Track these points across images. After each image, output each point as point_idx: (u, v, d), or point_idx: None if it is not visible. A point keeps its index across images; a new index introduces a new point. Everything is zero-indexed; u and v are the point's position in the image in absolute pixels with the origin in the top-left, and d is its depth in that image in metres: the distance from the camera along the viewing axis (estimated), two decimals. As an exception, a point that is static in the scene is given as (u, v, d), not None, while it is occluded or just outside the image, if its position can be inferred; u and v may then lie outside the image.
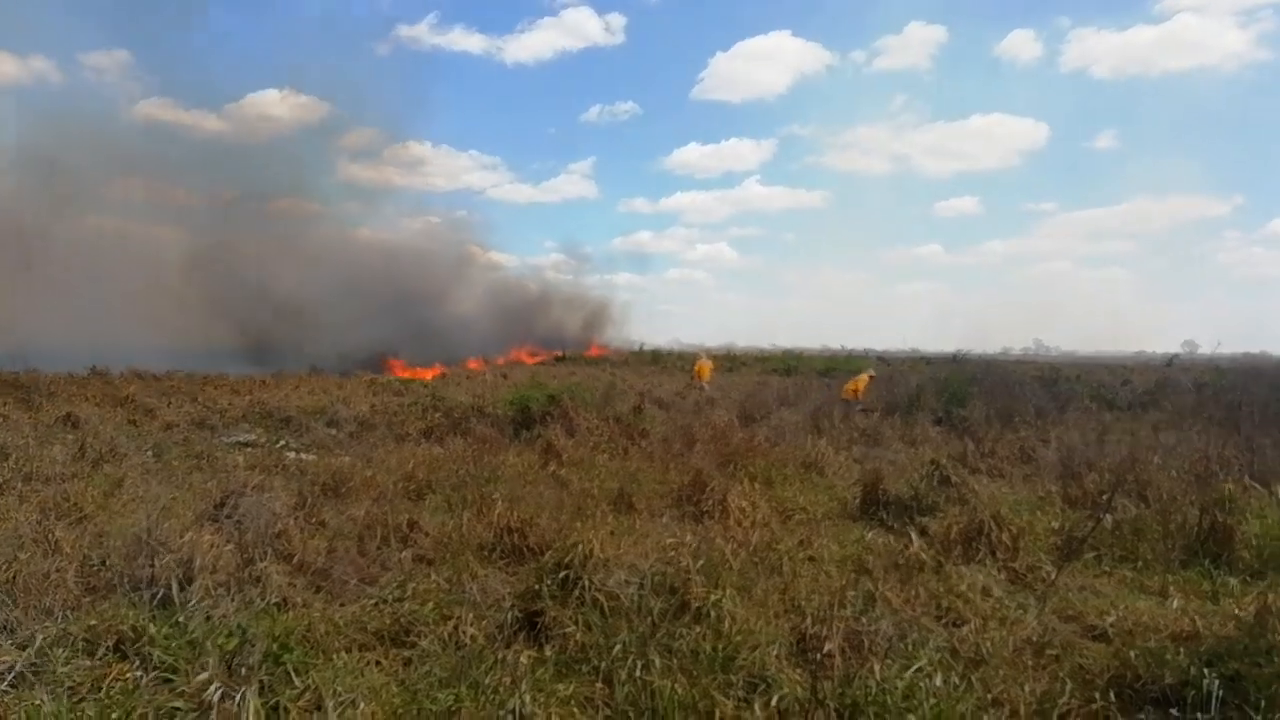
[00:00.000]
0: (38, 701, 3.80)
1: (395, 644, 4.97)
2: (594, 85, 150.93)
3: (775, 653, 4.69)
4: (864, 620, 5.05)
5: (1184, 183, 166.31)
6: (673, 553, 5.99)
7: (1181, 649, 4.63)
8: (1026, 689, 4.33)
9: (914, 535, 7.18)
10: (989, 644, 4.91)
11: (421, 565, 6.49)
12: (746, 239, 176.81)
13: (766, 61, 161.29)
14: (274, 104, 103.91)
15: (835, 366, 43.14)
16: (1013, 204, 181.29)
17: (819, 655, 4.68)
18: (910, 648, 4.75)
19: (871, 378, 20.64)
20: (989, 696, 4.26)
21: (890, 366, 43.35)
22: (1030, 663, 4.75)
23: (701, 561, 5.68)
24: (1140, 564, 7.07)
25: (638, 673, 4.36)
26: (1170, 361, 45.95)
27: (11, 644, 4.38)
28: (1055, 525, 7.85)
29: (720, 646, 4.72)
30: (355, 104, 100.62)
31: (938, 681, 4.20)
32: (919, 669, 4.33)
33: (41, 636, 4.45)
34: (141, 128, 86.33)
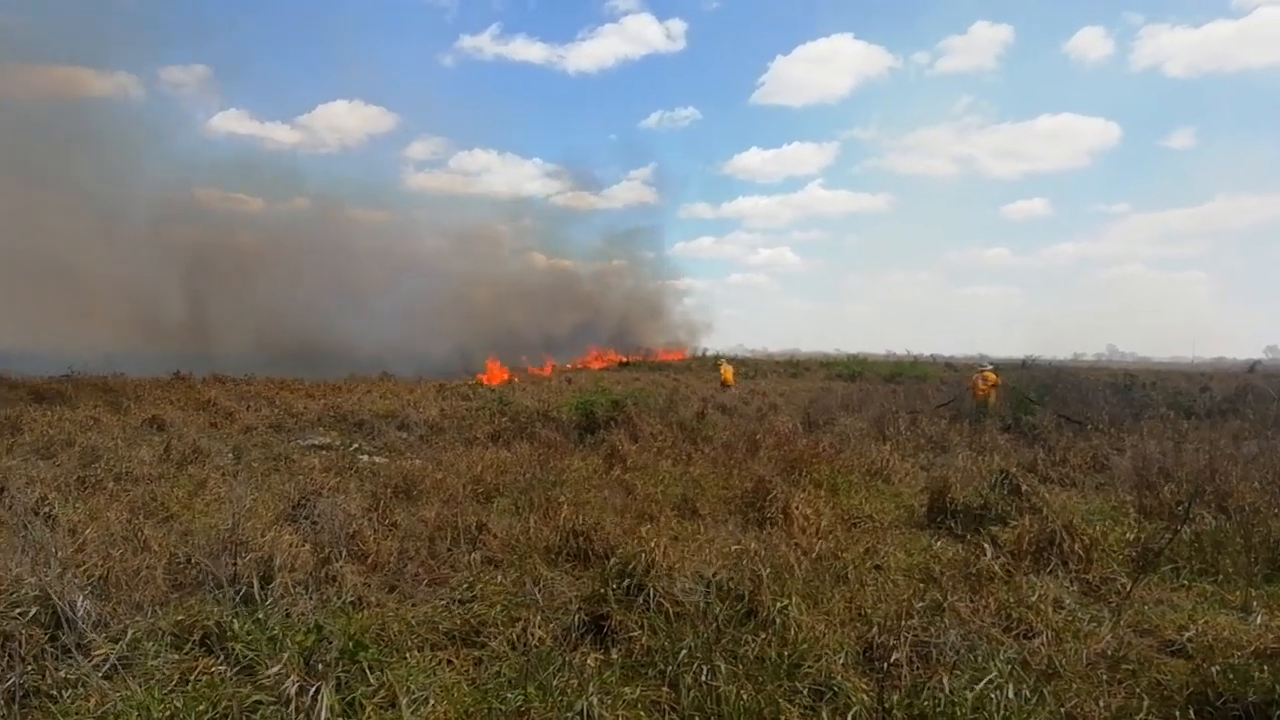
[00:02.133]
0: (131, 692, 3.98)
1: (465, 644, 5.08)
2: (655, 91, 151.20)
3: (841, 661, 4.68)
4: (932, 630, 4.99)
5: (1264, 182, 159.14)
6: (737, 559, 6.01)
7: (1266, 666, 4.48)
8: (1102, 704, 4.25)
9: (984, 545, 7.07)
10: (1062, 657, 4.81)
11: (490, 567, 6.61)
12: (809, 243, 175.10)
13: (828, 65, 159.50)
14: (343, 115, 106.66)
15: (900, 372, 42.53)
16: (1083, 205, 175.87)
17: (886, 665, 4.66)
18: (980, 659, 4.68)
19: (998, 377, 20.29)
20: (1062, 711, 4.19)
21: (958, 372, 42.55)
22: (1105, 677, 4.65)
23: (766, 569, 5.68)
24: (1220, 578, 6.84)
25: (703, 678, 4.39)
26: (1252, 367, 44.28)
27: (105, 637, 4.59)
28: (1130, 536, 7.63)
29: (785, 654, 4.73)
30: (420, 114, 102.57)
31: (1009, 694, 4.15)
32: (989, 681, 4.27)
33: (133, 630, 4.67)
34: (219, 140, 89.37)
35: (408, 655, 4.77)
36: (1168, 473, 10.35)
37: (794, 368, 51.62)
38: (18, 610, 4.47)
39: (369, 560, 6.52)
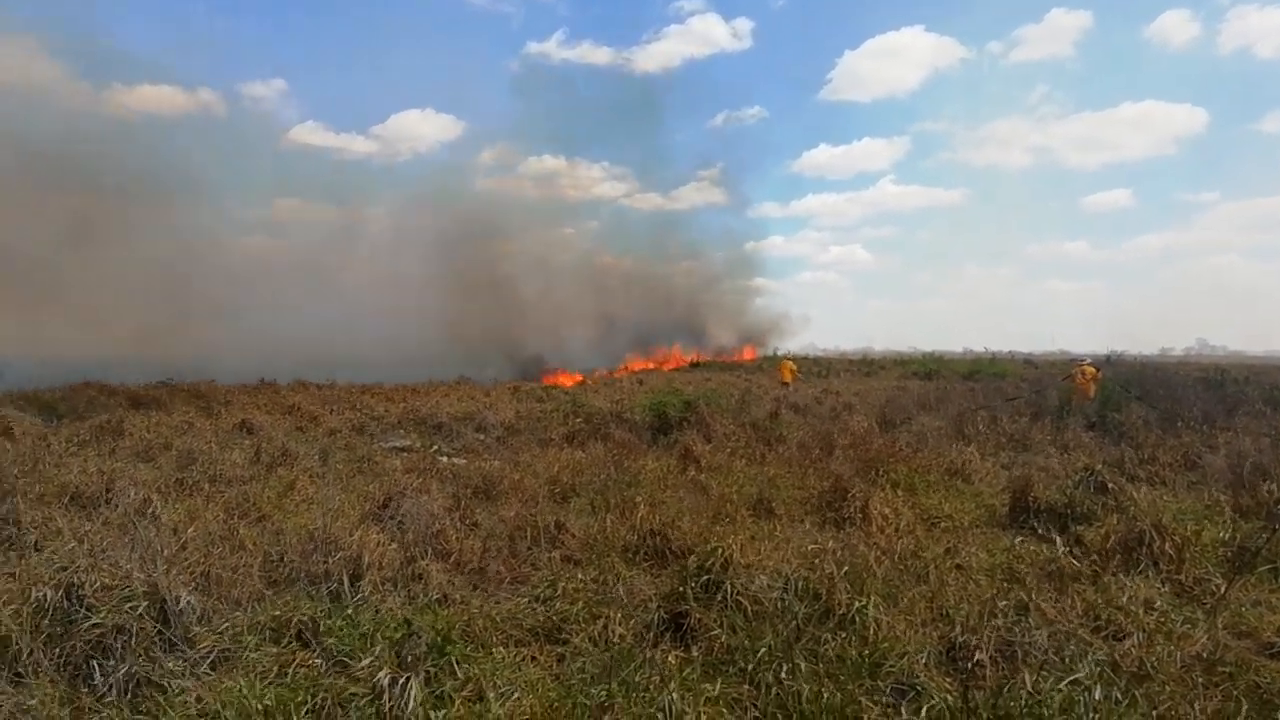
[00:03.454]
0: (234, 683, 4.17)
1: (549, 640, 5.19)
2: (721, 91, 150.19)
3: (923, 660, 4.65)
4: (1017, 630, 4.92)
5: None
6: (815, 558, 6.00)
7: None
8: (1197, 707, 4.13)
9: (1067, 544, 6.92)
10: (1154, 659, 4.68)
11: (569, 565, 6.72)
12: (881, 240, 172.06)
13: (897, 58, 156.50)
14: (415, 123, 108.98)
15: (978, 369, 41.59)
16: (1169, 195, 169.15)
17: (969, 664, 4.61)
18: (1067, 660, 4.60)
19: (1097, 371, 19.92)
20: (1155, 714, 4.09)
21: (1038, 369, 41.44)
22: (1200, 680, 4.51)
23: (845, 568, 5.67)
24: (1324, 579, 6.57)
25: (783, 676, 4.41)
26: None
27: (209, 631, 4.83)
28: (1224, 536, 7.36)
29: (866, 653, 4.72)
30: (489, 121, 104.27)
31: (1098, 695, 4.07)
32: (1077, 682, 4.20)
33: (234, 625, 4.90)
34: (297, 151, 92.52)
35: (493, 651, 4.90)
36: (1264, 470, 9.95)
37: (868, 366, 50.95)
38: (129, 605, 4.73)
39: (452, 559, 6.69)
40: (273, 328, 52.77)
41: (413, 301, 60.96)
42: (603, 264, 78.66)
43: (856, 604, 5.22)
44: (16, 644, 4.43)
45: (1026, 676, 4.23)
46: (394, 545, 6.51)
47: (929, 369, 43.67)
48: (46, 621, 4.61)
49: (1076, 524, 7.85)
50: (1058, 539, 7.09)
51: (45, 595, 4.72)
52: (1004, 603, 5.44)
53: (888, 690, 4.39)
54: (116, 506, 7.77)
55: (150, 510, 7.60)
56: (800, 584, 5.51)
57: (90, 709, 4.00)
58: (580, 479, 10.12)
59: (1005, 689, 4.17)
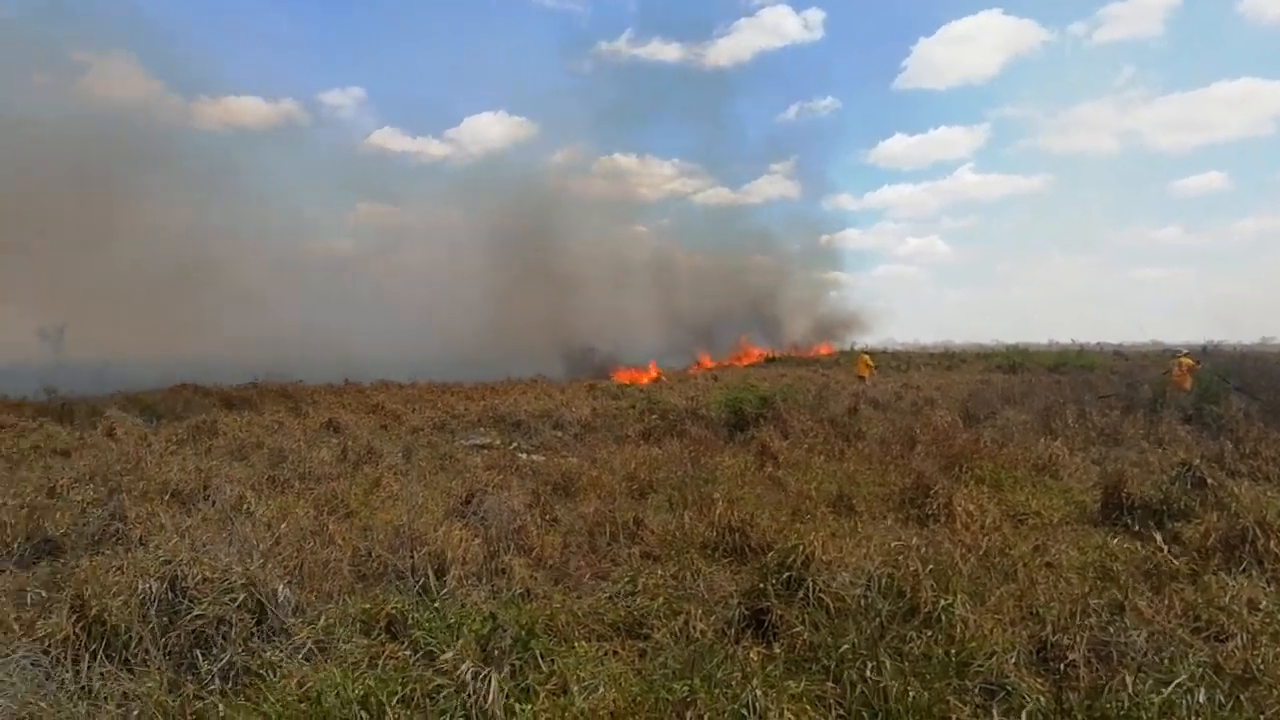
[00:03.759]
0: (328, 673, 4.31)
1: (630, 635, 5.22)
2: (793, 83, 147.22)
3: (1013, 660, 4.54)
4: (1111, 630, 4.77)
5: None
6: (898, 555, 5.91)
7: None
8: (1306, 712, 3.94)
9: (1166, 542, 6.66)
10: (1260, 661, 4.48)
11: (648, 561, 6.75)
12: (960, 231, 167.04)
13: (975, 44, 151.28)
14: (488, 126, 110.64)
15: (1065, 361, 40.28)
16: (1269, 176, 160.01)
17: (1062, 665, 4.49)
18: (1166, 662, 4.43)
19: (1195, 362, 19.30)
20: (1261, 718, 3.92)
21: (1128, 361, 39.98)
22: (1310, 684, 4.31)
23: (930, 565, 5.57)
24: None
25: (868, 674, 4.36)
26: None
27: (303, 622, 4.99)
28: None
29: (953, 652, 4.63)
30: (561, 121, 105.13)
31: (1200, 698, 3.91)
32: (1178, 684, 4.05)
33: (326, 617, 5.05)
34: (374, 156, 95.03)
35: (575, 645, 4.96)
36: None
37: (948, 360, 49.78)
38: (229, 597, 4.93)
39: (533, 554, 6.79)
40: (352, 328, 54.30)
41: (485, 301, 62.04)
42: (675, 260, 78.63)
43: (942, 602, 5.12)
44: (126, 633, 4.66)
45: (1126, 678, 4.10)
46: (477, 541, 6.62)
47: (1013, 362, 42.41)
48: (153, 612, 4.84)
49: (1173, 521, 7.57)
50: (1158, 535, 6.84)
51: (151, 587, 4.96)
52: (1097, 602, 5.29)
53: (976, 690, 4.30)
54: (214, 503, 8.11)
55: (245, 506, 7.91)
56: (884, 581, 5.44)
57: (195, 696, 4.16)
58: (657, 475, 10.16)
59: (1102, 691, 4.05)
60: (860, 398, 20.13)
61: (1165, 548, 6.51)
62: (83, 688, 4.18)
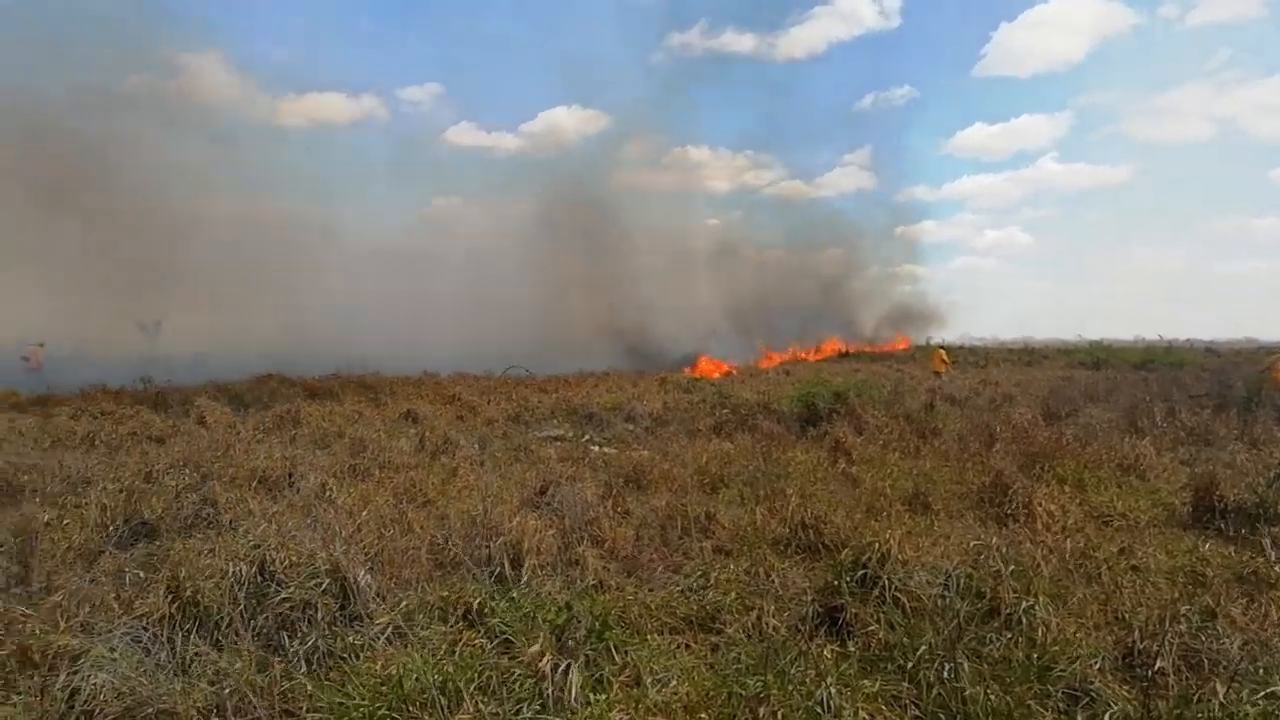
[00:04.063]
0: (410, 658, 4.41)
1: (702, 629, 5.23)
2: (869, 72, 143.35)
3: (1098, 665, 4.42)
4: (1203, 637, 4.61)
5: None
6: (977, 555, 5.80)
7: None
8: None
9: (1262, 547, 6.40)
10: (1364, 675, 4.28)
11: (720, 556, 6.75)
12: (1042, 222, 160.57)
13: (1059, 29, 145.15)
14: (562, 119, 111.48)
15: (1152, 358, 38.83)
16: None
17: (1150, 672, 4.35)
18: (1261, 672, 4.26)
19: None
20: (1365, 734, 3.74)
21: (1220, 358, 38.35)
22: None
23: (1011, 566, 5.45)
24: None
25: (945, 675, 4.29)
26: None
27: (384, 608, 5.13)
28: None
29: (1034, 655, 4.53)
30: (633, 114, 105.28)
31: (1298, 711, 3.76)
32: (1274, 695, 3.89)
33: (407, 603, 5.18)
34: (450, 150, 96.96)
35: (648, 638, 4.99)
36: None
37: (1028, 355, 48.47)
38: (313, 581, 5.10)
39: (606, 546, 6.84)
40: (427, 320, 55.43)
41: (556, 294, 62.69)
42: (746, 253, 78.08)
43: (1023, 604, 5.01)
44: (217, 614, 4.86)
45: (1218, 687, 3.96)
46: (551, 532, 6.71)
47: (1096, 358, 41.02)
48: (242, 594, 5.03)
49: (1270, 526, 7.25)
50: (1266, 540, 6.57)
51: (241, 570, 5.15)
52: (1187, 608, 5.09)
53: (1059, 695, 4.20)
54: (298, 490, 8.38)
55: (327, 494, 8.15)
56: (962, 581, 5.34)
57: (282, 676, 4.31)
58: (729, 470, 10.13)
59: (1192, 700, 3.92)
60: (936, 393, 19.77)
61: (1262, 552, 6.25)
62: (178, 665, 4.37)
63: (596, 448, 12.71)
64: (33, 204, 54.57)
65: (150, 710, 3.86)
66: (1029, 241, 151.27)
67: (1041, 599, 5.08)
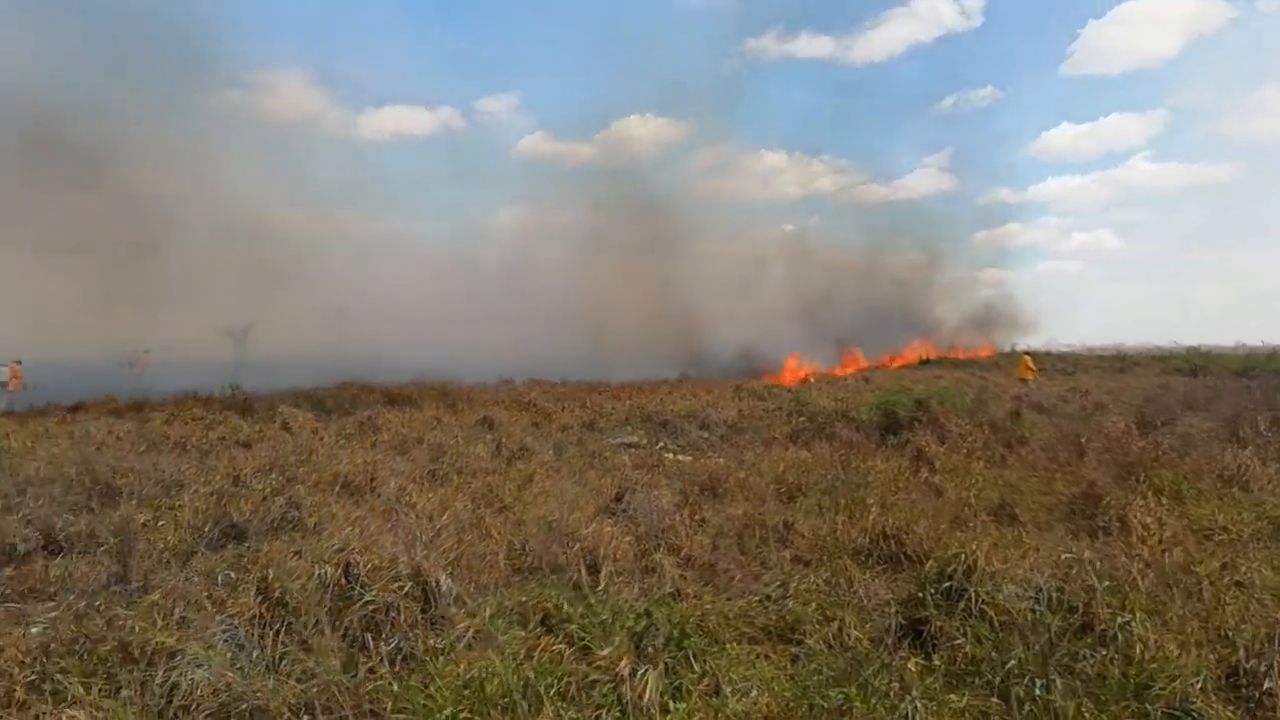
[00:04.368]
0: (489, 662, 4.46)
1: (781, 640, 5.16)
2: (949, 74, 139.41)
3: (1199, 685, 4.21)
4: (1316, 659, 4.35)
5: None
6: (1069, 568, 5.60)
7: None
8: None
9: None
10: None
11: (799, 566, 6.66)
12: (1133, 224, 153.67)
13: (1151, 24, 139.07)
14: (635, 128, 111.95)
15: (1255, 365, 36.99)
16: None
17: (1257, 693, 4.14)
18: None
19: None
20: None
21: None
22: None
23: (1104, 580, 5.24)
24: None
25: (1037, 692, 4.15)
26: None
27: (464, 612, 5.20)
28: None
29: (1131, 673, 4.35)
30: (707, 121, 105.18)
31: None
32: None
33: (486, 607, 5.24)
34: (525, 160, 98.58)
35: (727, 647, 4.94)
36: None
37: (1120, 362, 46.74)
38: (396, 584, 5.20)
39: (682, 554, 6.82)
40: (501, 328, 56.34)
41: (629, 302, 63.03)
42: (822, 258, 77.07)
43: (1119, 619, 4.81)
44: (305, 615, 4.99)
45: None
46: (628, 539, 6.72)
47: (1194, 365, 39.20)
48: (328, 596, 5.16)
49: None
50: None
51: (327, 573, 5.29)
52: (1297, 626, 4.83)
53: (1158, 715, 4.02)
54: (379, 494, 8.56)
55: (407, 499, 8.31)
56: (1053, 595, 5.16)
57: (367, 676, 4.41)
58: (807, 479, 10.00)
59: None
60: (1023, 401, 19.21)
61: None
62: (270, 663, 4.50)
63: (671, 455, 12.70)
64: (130, 218, 57.38)
65: (244, 706, 3.97)
66: (1119, 245, 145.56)
67: (1139, 614, 4.87)
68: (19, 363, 23.17)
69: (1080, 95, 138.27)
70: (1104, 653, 4.58)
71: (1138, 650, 4.58)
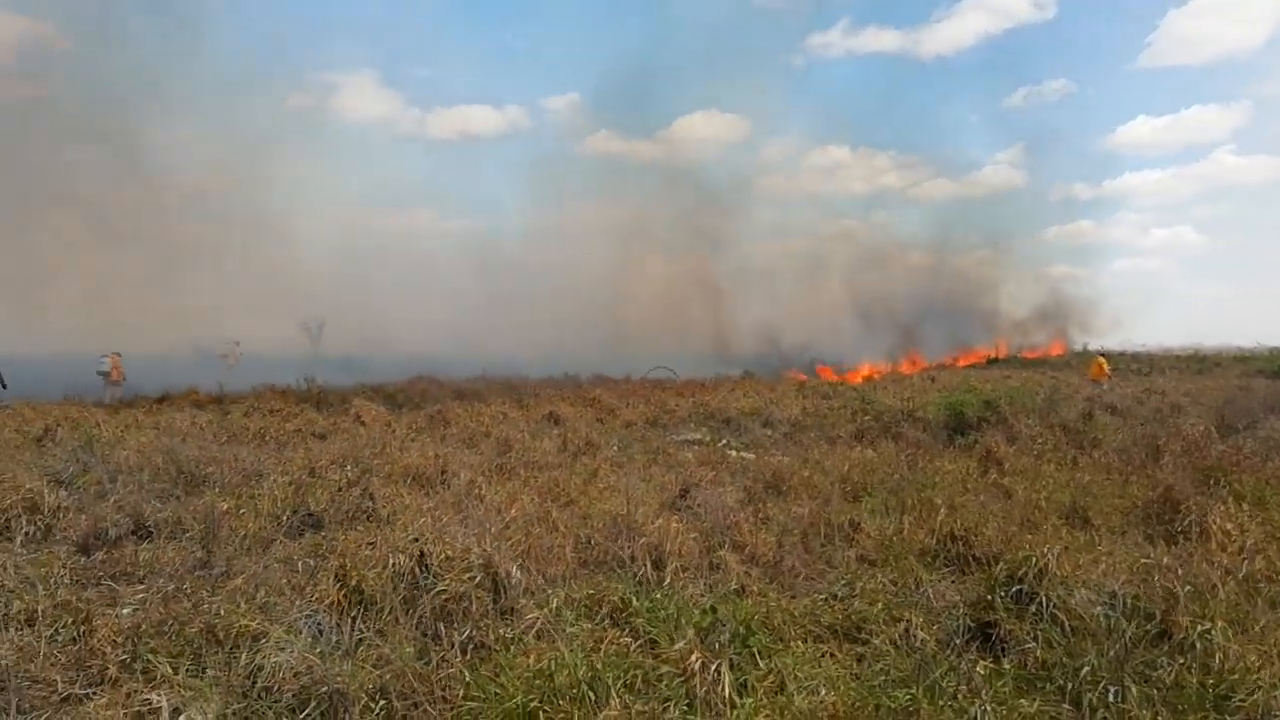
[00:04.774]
0: (559, 653, 4.54)
1: (847, 639, 5.15)
2: (1021, 67, 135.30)
3: (1283, 698, 4.10)
4: None
5: None
6: (1146, 574, 5.47)
7: None
8: None
9: None
10: None
11: (865, 565, 6.62)
12: (1216, 219, 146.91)
13: (1235, 13, 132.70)
14: (699, 125, 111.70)
15: (1345, 366, 35.44)
16: None
17: (1345, 709, 4.00)
18: None
19: None
20: None
21: None
22: None
23: (1184, 587, 5.12)
24: None
25: (1111, 699, 4.08)
26: None
27: (533, 603, 5.29)
28: None
29: (1210, 682, 4.24)
30: (772, 118, 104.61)
31: None
32: None
33: (554, 599, 5.33)
34: (592, 159, 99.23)
35: (792, 645, 4.95)
36: None
37: (1199, 363, 45.18)
38: (468, 575, 5.32)
39: (746, 551, 6.84)
40: (567, 325, 56.84)
41: (693, 298, 63.05)
42: (888, 254, 75.77)
43: (1197, 628, 4.69)
44: (380, 603, 5.14)
45: None
46: (693, 535, 6.76)
47: (1278, 366, 37.80)
48: (402, 585, 5.31)
49: None
50: None
51: (401, 562, 5.44)
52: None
53: (1238, 726, 3.93)
54: (449, 487, 8.75)
55: (476, 491, 8.47)
56: (1129, 601, 5.06)
57: (439, 665, 4.53)
58: (872, 478, 9.92)
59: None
60: (1096, 402, 18.72)
61: None
62: (346, 650, 4.65)
63: (734, 452, 12.69)
64: (206, 217, 59.40)
65: (324, 690, 4.12)
66: (1201, 241, 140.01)
67: (1219, 623, 4.75)
68: (118, 354, 24.11)
69: (1159, 87, 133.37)
70: (1181, 661, 4.47)
71: (1217, 660, 4.47)
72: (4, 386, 20.84)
